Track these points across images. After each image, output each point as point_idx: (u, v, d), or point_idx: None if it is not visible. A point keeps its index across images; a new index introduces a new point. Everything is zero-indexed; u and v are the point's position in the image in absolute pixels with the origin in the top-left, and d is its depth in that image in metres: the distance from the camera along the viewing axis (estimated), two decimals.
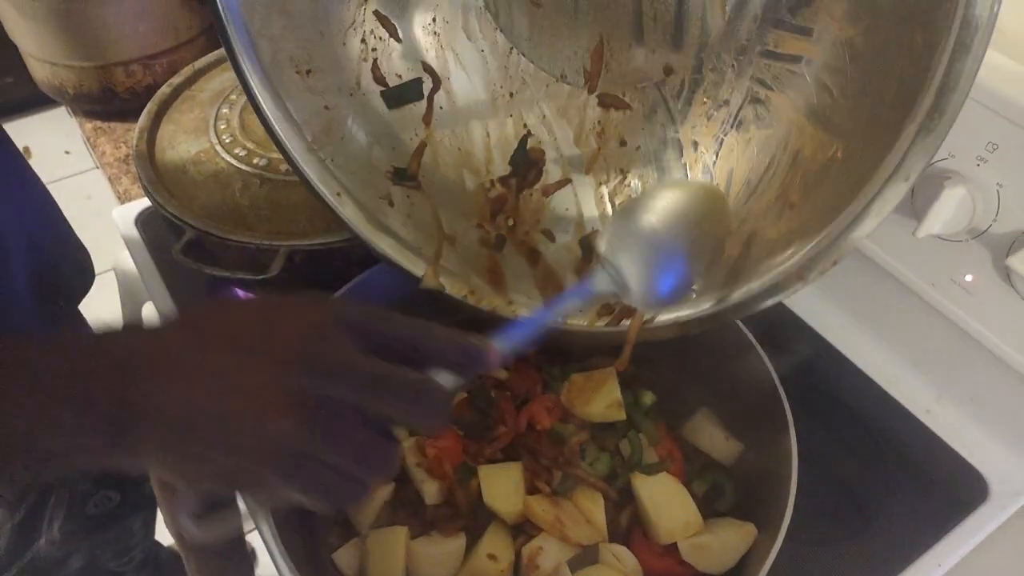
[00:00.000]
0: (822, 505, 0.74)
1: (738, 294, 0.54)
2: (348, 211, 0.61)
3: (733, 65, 0.58)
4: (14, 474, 0.45)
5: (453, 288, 0.63)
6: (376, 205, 0.63)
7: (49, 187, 0.82)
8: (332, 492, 0.38)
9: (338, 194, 0.61)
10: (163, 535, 1.31)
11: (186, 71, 0.94)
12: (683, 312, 0.57)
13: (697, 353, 0.74)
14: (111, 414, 0.36)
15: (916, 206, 0.68)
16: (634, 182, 0.65)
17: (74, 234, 0.84)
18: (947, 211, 0.65)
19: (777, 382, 0.65)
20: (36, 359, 0.37)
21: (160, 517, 1.02)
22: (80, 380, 0.36)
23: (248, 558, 0.95)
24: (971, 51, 0.41)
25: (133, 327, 0.45)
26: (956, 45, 0.41)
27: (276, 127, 0.58)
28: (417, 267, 0.63)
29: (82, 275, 0.85)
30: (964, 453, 0.78)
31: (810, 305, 0.89)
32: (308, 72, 0.60)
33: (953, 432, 0.80)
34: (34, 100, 2.11)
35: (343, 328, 0.39)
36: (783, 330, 0.86)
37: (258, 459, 0.37)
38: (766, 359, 0.66)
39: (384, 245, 0.62)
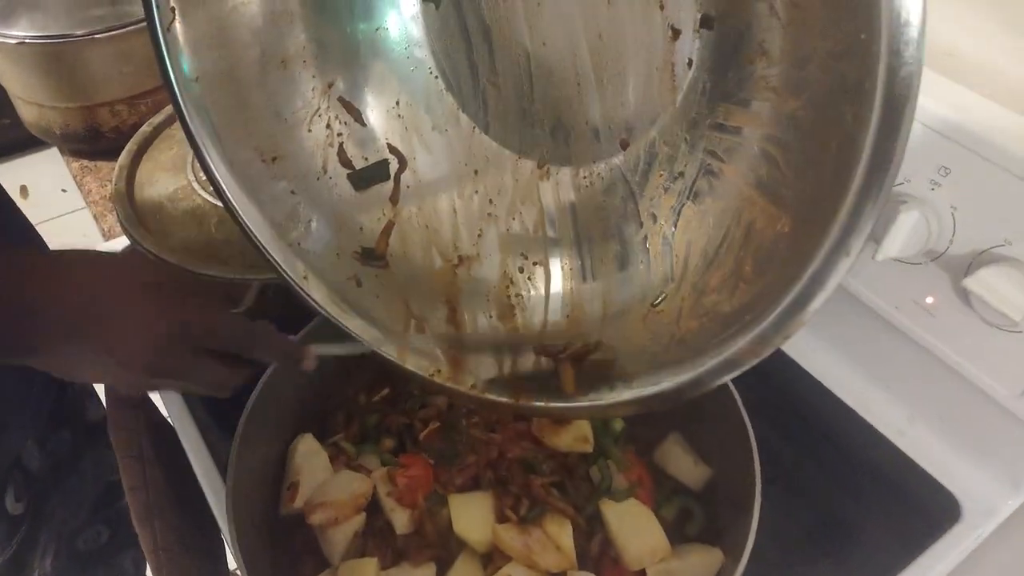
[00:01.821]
0: (795, 528, 0.74)
1: (694, 372, 0.54)
2: (316, 294, 0.61)
3: (686, 138, 0.59)
4: None
5: (420, 367, 0.64)
6: (344, 285, 0.63)
7: (46, 224, 0.84)
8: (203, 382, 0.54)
9: (305, 277, 0.60)
10: None
11: (166, 110, 0.96)
12: (643, 391, 0.57)
13: None
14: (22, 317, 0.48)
15: (874, 230, 0.70)
16: (595, 255, 0.66)
17: None
18: (903, 235, 0.66)
19: (742, 409, 0.66)
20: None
21: None
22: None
23: None
24: (897, 130, 0.41)
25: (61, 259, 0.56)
26: (881, 123, 0.41)
27: (240, 213, 0.58)
28: (383, 344, 0.63)
29: None
30: (936, 474, 0.79)
31: None
32: (274, 159, 0.61)
33: (925, 453, 0.80)
34: (30, 140, 2.14)
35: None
36: None
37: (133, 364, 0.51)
38: (731, 386, 0.67)
39: (352, 325, 0.62)
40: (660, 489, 0.70)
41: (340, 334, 0.60)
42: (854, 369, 0.87)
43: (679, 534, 0.67)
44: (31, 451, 0.79)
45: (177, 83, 0.55)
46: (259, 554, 0.62)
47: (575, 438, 0.68)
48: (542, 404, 0.61)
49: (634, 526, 0.64)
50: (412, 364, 0.63)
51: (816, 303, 0.47)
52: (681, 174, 0.60)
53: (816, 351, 0.88)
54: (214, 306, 0.56)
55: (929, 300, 0.71)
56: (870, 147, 0.42)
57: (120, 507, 1.09)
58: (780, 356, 0.89)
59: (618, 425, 0.74)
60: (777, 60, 0.53)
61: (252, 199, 0.59)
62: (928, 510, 0.77)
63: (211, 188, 0.82)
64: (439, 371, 0.63)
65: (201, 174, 0.85)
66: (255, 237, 0.60)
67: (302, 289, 0.61)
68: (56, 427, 0.90)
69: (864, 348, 0.86)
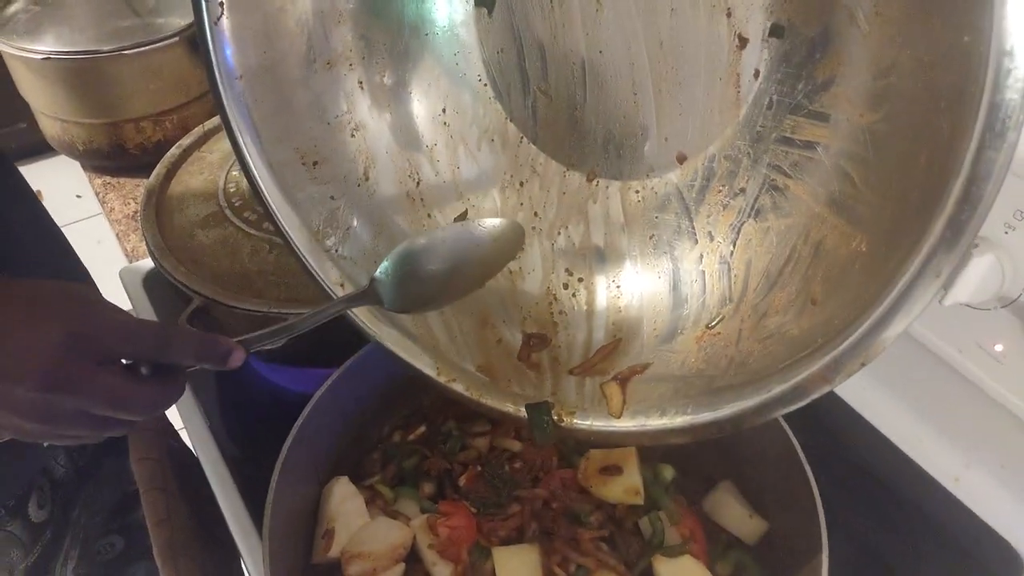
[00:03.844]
0: None
1: (758, 398, 0.51)
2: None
3: (749, 152, 0.56)
4: None
5: (457, 384, 0.62)
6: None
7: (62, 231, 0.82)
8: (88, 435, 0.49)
9: (341, 284, 0.59)
10: None
11: (196, 131, 0.93)
12: (697, 417, 0.54)
13: None
14: None
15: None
16: (645, 273, 0.63)
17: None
18: (975, 279, 0.63)
19: (802, 456, 0.63)
20: None
21: None
22: None
23: None
24: (1004, 137, 0.39)
25: None
26: (985, 131, 0.39)
27: (278, 215, 0.57)
28: (416, 359, 0.62)
29: None
30: (994, 524, 0.75)
31: None
32: (315, 164, 0.60)
33: (982, 501, 0.77)
34: (45, 145, 2.13)
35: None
36: None
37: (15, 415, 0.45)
38: (788, 430, 0.64)
39: (387, 340, 0.61)
40: (713, 543, 0.67)
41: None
42: (908, 412, 0.83)
43: None
44: (57, 459, 0.77)
45: (221, 79, 0.54)
46: None
47: (625, 489, 0.65)
48: (586, 426, 0.59)
49: None
50: (447, 379, 0.61)
51: (899, 327, 0.44)
52: (742, 190, 0.58)
53: (868, 391, 0.85)
54: (120, 312, 0.50)
55: (999, 348, 0.68)
56: (971, 158, 0.39)
57: (135, 518, 1.06)
58: (831, 397, 0.85)
59: (668, 474, 0.70)
60: (854, 71, 0.50)
61: (290, 202, 0.58)
62: (986, 561, 0.73)
63: (244, 215, 0.80)
64: (476, 389, 0.61)
65: (235, 200, 0.82)
66: (292, 241, 0.58)
67: (336, 297, 0.59)
68: None
69: (920, 391, 0.82)
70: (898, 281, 0.42)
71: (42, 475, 0.74)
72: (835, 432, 0.82)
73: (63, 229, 0.83)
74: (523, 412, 0.61)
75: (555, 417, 0.60)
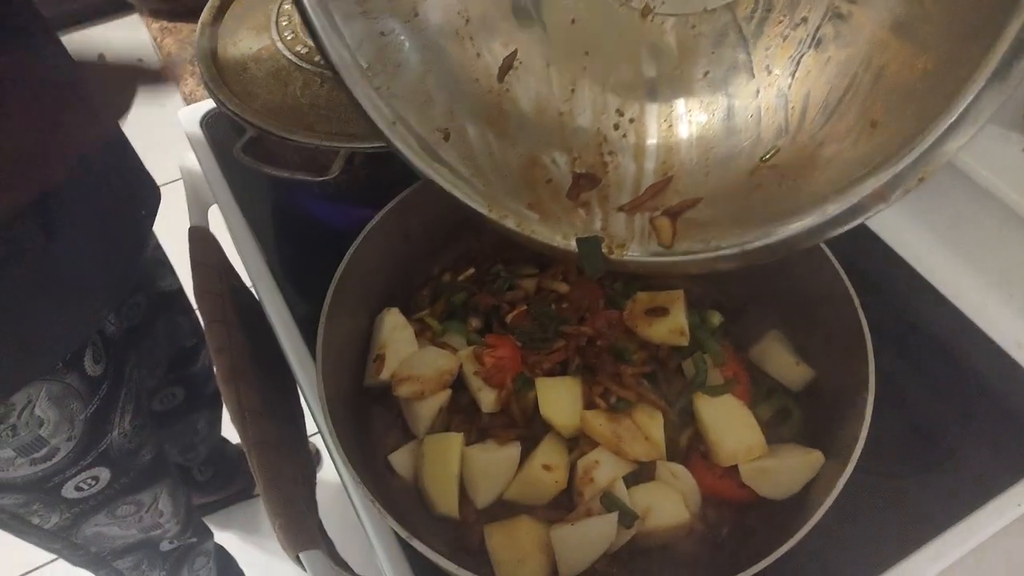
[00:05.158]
0: (896, 437, 0.70)
1: (815, 220, 0.50)
2: (402, 143, 0.59)
3: None
4: None
5: (507, 220, 0.61)
6: (432, 137, 0.60)
7: None
8: None
9: (393, 123, 0.58)
10: (231, 433, 1.37)
11: None
12: (750, 242, 0.53)
13: (770, 273, 0.69)
14: None
15: None
16: (698, 110, 0.60)
17: (138, 158, 0.85)
18: None
19: (858, 305, 0.61)
20: None
21: (227, 415, 1.06)
22: None
23: (309, 455, 0.98)
24: None
25: None
26: None
27: (331, 51, 0.56)
28: (467, 196, 0.61)
29: (150, 196, 0.86)
30: None
31: (896, 227, 0.83)
32: None
33: None
34: (107, 5, 2.13)
35: None
36: (864, 253, 0.81)
37: None
38: (847, 281, 0.62)
39: (438, 176, 0.60)
40: (757, 387, 0.67)
41: None
42: (973, 273, 0.80)
43: (775, 435, 0.64)
44: (108, 316, 0.81)
45: None
46: (346, 425, 0.62)
47: (670, 330, 0.64)
48: (636, 257, 0.59)
49: (729, 422, 0.62)
50: (499, 215, 0.61)
51: (963, 137, 0.44)
52: (804, 20, 0.54)
53: (932, 252, 0.82)
54: None
55: None
56: None
57: (194, 372, 1.13)
58: (894, 258, 0.82)
59: (716, 319, 0.70)
60: None
61: (341, 38, 0.56)
62: None
63: (296, 49, 0.79)
64: (527, 224, 0.61)
65: (287, 34, 0.80)
66: (344, 78, 0.57)
67: (389, 137, 0.58)
68: (131, 293, 0.91)
69: (988, 252, 0.79)
70: (965, 92, 0.40)
71: (95, 332, 0.77)
72: (894, 292, 0.79)
73: None
74: (573, 246, 0.60)
75: (606, 250, 0.59)
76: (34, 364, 0.69)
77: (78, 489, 0.83)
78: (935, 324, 0.78)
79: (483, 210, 0.62)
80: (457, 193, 0.61)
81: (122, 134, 0.81)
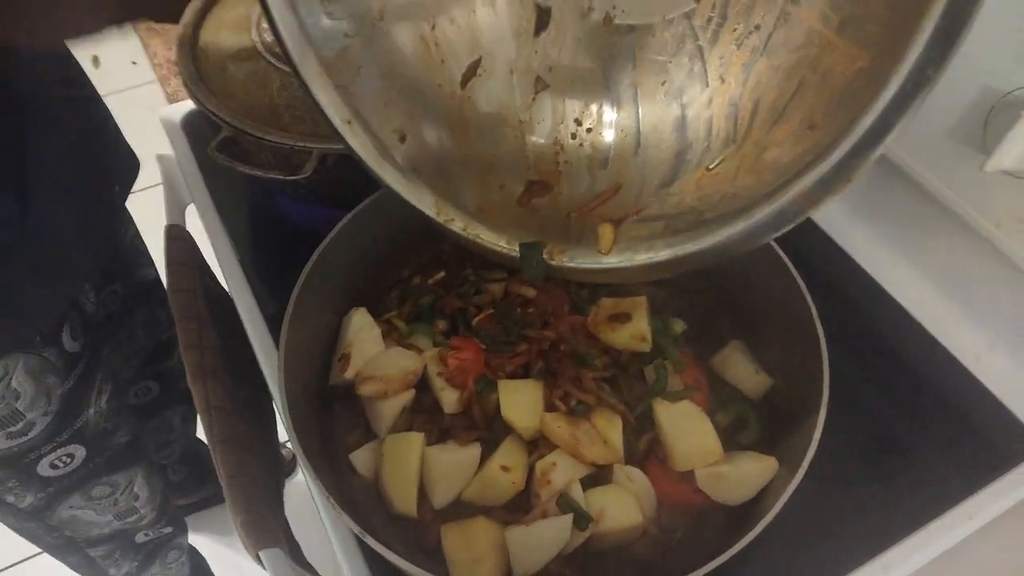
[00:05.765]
0: (852, 446, 0.71)
1: (743, 224, 0.51)
2: (356, 141, 0.59)
3: None
4: None
5: (454, 223, 0.63)
6: (388, 138, 0.61)
7: (115, 96, 0.82)
8: None
9: (348, 122, 0.58)
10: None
11: None
12: (683, 248, 0.54)
13: (734, 283, 0.71)
14: None
15: (987, 138, 0.63)
16: (653, 120, 0.62)
17: (118, 129, 0.86)
18: (1021, 144, 0.60)
19: (816, 317, 0.62)
20: None
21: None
22: None
23: (279, 457, 0.98)
24: None
25: None
26: None
27: (290, 46, 0.55)
28: (415, 198, 0.62)
29: (128, 168, 0.86)
30: (1011, 405, 0.74)
31: (857, 239, 0.85)
32: None
33: (1003, 382, 0.76)
34: None
35: None
36: (826, 265, 0.82)
37: None
38: (806, 292, 0.63)
39: (385, 175, 0.60)
40: (716, 395, 0.68)
41: None
42: (933, 285, 0.81)
43: (732, 442, 0.65)
44: (87, 294, 0.81)
45: None
46: (308, 422, 0.63)
47: (632, 336, 0.65)
48: (575, 263, 0.61)
49: (687, 428, 0.62)
50: (445, 219, 0.62)
51: (889, 133, 0.44)
52: (757, 27, 0.55)
53: (894, 264, 0.83)
54: None
55: None
56: None
57: (169, 367, 1.14)
58: (856, 272, 0.84)
59: (678, 327, 0.71)
60: None
61: (304, 35, 0.56)
62: (997, 441, 0.73)
63: (276, 50, 0.80)
64: (472, 229, 0.62)
65: (267, 35, 0.81)
66: (301, 72, 0.56)
67: (343, 135, 0.58)
68: (109, 280, 0.92)
69: (948, 265, 0.80)
70: (890, 86, 0.41)
71: (74, 308, 0.78)
72: (856, 305, 0.81)
73: (118, 95, 0.83)
74: (516, 251, 0.61)
75: (546, 256, 0.60)
76: (11, 335, 0.70)
77: (53, 467, 0.83)
78: (896, 337, 0.79)
79: (430, 212, 0.63)
80: (404, 194, 0.62)
81: (92, 88, 0.82)
